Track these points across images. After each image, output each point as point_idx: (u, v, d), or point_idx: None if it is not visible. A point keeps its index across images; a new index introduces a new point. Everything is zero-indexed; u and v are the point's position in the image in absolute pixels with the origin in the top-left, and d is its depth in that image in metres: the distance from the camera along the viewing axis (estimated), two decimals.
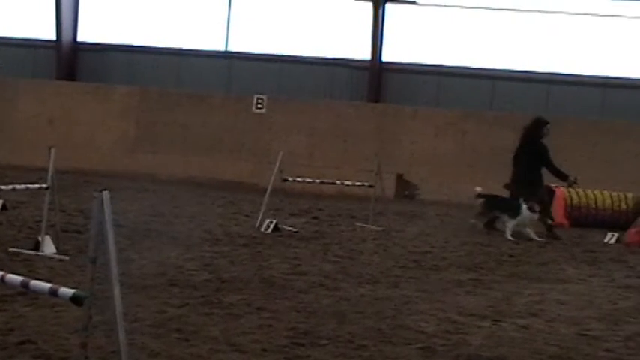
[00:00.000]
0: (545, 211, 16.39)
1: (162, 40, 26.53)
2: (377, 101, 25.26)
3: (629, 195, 19.40)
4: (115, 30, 26.88)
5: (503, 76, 24.84)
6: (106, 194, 5.16)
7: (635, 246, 15.81)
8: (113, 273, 5.14)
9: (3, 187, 11.67)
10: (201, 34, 26.37)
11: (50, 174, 10.90)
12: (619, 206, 19.11)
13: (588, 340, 7.97)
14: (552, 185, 18.21)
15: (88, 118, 25.21)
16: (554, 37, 24.59)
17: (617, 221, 18.24)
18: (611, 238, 16.38)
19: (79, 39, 27.10)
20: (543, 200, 16.51)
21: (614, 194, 19.44)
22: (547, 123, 16.55)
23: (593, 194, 19.28)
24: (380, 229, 15.80)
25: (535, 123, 16.59)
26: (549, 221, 16.51)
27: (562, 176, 16.45)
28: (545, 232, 16.18)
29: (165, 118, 24.86)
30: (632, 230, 16.51)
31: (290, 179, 16.02)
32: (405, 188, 23.75)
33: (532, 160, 16.29)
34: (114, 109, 25.29)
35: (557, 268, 12.66)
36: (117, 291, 5.18)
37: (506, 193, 16.97)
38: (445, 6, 25.21)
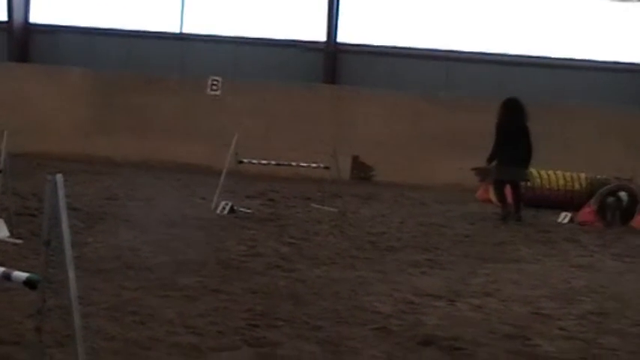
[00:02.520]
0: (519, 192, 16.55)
1: (115, 22, 26.29)
2: (332, 83, 25.24)
3: (582, 175, 19.58)
4: (68, 11, 26.58)
5: (457, 58, 24.91)
6: (59, 177, 5.12)
7: (588, 225, 15.99)
8: (67, 256, 5.11)
9: None
10: (155, 16, 26.16)
11: (3, 157, 10.81)
12: (572, 186, 19.27)
13: (542, 319, 8.05)
14: None
15: (42, 101, 24.93)
16: (507, 18, 24.69)
17: (571, 201, 18.40)
18: (564, 217, 16.54)
19: (31, 20, 26.78)
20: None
21: (568, 174, 19.60)
22: None
23: (547, 174, 19.42)
24: (335, 210, 15.83)
25: (522, 104, 16.58)
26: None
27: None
28: (510, 213, 16.25)
29: (119, 100, 24.66)
30: (586, 210, 16.68)
31: (245, 161, 15.99)
32: (360, 170, 23.79)
33: (525, 140, 16.21)
34: (67, 91, 25.04)
35: (512, 248, 12.77)
36: (71, 274, 5.15)
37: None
38: None
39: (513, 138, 16.16)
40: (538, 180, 19.19)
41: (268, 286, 8.74)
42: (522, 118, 16.37)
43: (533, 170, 18.59)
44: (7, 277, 5.15)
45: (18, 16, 26.33)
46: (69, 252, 5.13)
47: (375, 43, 25.29)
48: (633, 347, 7.24)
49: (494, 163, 16.48)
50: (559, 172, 19.60)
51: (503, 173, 16.45)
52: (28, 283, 5.07)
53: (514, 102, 16.65)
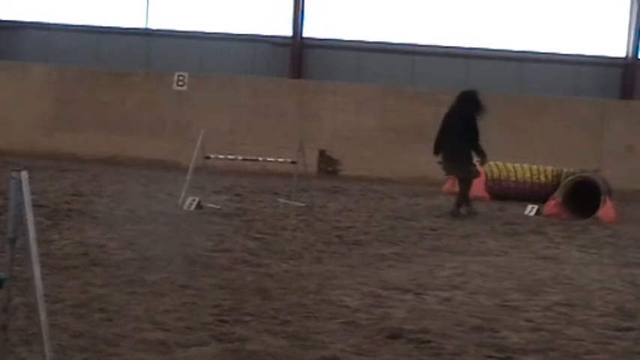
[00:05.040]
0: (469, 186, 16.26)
1: (80, 17, 26.13)
2: (298, 77, 25.25)
3: (548, 168, 19.71)
4: (32, 7, 26.39)
5: (423, 52, 24.99)
6: (24, 174, 5.08)
7: (555, 217, 16.09)
8: (33, 254, 5.08)
9: None
10: (121, 11, 26.03)
11: None
12: (538, 179, 19.40)
13: (509, 311, 8.09)
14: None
15: (5, 98, 24.74)
16: (473, 12, 24.80)
17: (537, 193, 18.53)
18: (531, 210, 16.63)
19: None
20: (474, 176, 16.46)
21: (534, 167, 19.72)
22: None
23: (513, 167, 19.53)
24: (303, 205, 15.84)
25: (477, 97, 15.98)
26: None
27: (483, 155, 15.83)
28: (465, 208, 16.16)
29: (84, 96, 24.53)
30: (552, 202, 16.79)
31: (212, 156, 15.96)
32: (327, 164, 23.81)
33: (469, 134, 15.60)
34: (32, 87, 24.87)
35: (478, 240, 12.82)
36: (37, 272, 5.12)
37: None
38: None
39: (458, 130, 15.59)
40: (505, 172, 19.30)
41: (236, 282, 8.73)
42: (471, 110, 15.78)
43: (499, 163, 18.69)
44: None
45: None
46: (34, 249, 5.10)
47: (341, 38, 25.32)
48: (598, 338, 7.30)
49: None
50: (525, 165, 19.72)
51: (448, 168, 16.25)
52: None
53: (467, 94, 16.20)
